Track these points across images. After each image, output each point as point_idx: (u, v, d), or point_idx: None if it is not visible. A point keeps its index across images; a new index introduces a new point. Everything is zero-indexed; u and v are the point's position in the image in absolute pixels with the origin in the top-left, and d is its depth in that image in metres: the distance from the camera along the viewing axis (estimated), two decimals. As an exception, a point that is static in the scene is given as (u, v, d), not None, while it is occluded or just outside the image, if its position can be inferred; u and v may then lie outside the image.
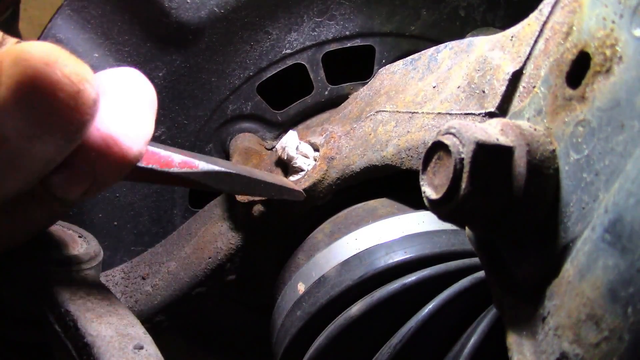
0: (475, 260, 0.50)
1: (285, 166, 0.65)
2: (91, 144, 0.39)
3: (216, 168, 0.50)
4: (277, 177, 0.61)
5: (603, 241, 0.29)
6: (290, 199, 0.59)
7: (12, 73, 0.35)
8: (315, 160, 0.64)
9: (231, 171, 0.52)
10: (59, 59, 0.35)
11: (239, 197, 0.65)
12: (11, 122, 0.35)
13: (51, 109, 0.35)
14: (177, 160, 0.47)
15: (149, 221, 0.74)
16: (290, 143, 0.64)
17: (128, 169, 0.42)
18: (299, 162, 0.63)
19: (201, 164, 0.48)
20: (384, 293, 0.50)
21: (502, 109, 0.43)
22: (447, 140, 0.34)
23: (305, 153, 0.64)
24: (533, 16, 0.41)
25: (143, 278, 0.69)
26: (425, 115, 0.52)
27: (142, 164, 0.44)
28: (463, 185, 0.33)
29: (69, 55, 0.36)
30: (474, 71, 0.48)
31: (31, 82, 0.35)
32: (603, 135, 0.31)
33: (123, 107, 0.41)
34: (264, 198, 0.63)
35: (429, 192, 0.36)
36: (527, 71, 0.41)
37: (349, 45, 0.72)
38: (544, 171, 0.33)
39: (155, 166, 0.46)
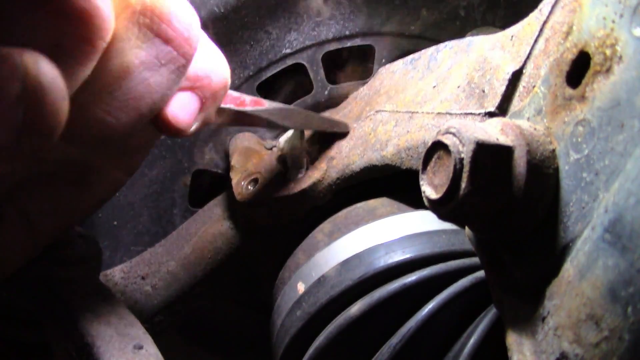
0: (475, 260, 0.50)
1: (285, 163, 0.65)
2: (197, 73, 0.43)
3: (280, 105, 0.55)
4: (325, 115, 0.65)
5: (603, 241, 0.29)
6: (340, 131, 0.62)
7: (134, 2, 0.37)
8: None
9: (292, 107, 0.58)
10: None
11: (239, 197, 0.65)
12: (135, 52, 0.37)
13: (169, 39, 0.38)
14: (248, 99, 0.51)
15: (149, 221, 0.74)
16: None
17: (223, 98, 0.46)
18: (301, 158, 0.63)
19: (268, 102, 0.54)
20: (384, 293, 0.50)
21: (502, 109, 0.43)
22: (447, 139, 0.34)
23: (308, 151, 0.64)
24: (533, 16, 0.41)
25: (143, 278, 0.69)
26: (425, 115, 0.52)
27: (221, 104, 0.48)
28: (463, 185, 0.33)
29: None
30: (474, 71, 0.48)
31: (152, 12, 0.37)
32: (603, 135, 0.31)
33: (210, 46, 0.45)
34: (264, 199, 0.63)
35: (429, 191, 0.36)
36: (527, 71, 0.41)
37: (349, 45, 0.72)
38: (544, 171, 0.33)
39: (231, 105, 0.50)
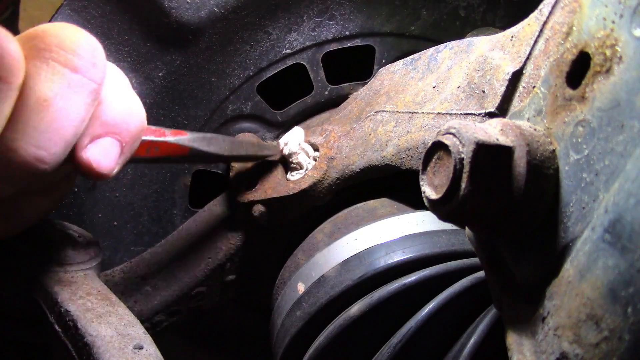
0: (475, 260, 0.50)
1: (285, 163, 0.65)
2: (115, 119, 0.45)
3: (203, 134, 0.56)
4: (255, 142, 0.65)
5: (603, 241, 0.29)
6: (270, 155, 0.62)
7: (38, 40, 0.40)
8: (315, 160, 0.64)
9: (216, 135, 0.58)
10: None
11: (239, 197, 0.65)
12: (48, 85, 0.40)
13: (77, 68, 0.41)
14: (169, 131, 0.52)
15: (149, 221, 0.74)
16: (293, 139, 0.64)
17: (140, 139, 0.48)
18: (300, 157, 0.63)
19: (189, 132, 0.54)
20: (384, 293, 0.50)
21: (502, 109, 0.43)
22: (447, 140, 0.34)
23: (307, 150, 0.64)
24: (533, 16, 0.41)
25: (143, 278, 0.69)
26: (425, 115, 0.52)
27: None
28: (463, 185, 0.33)
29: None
30: (474, 71, 0.48)
31: (56, 46, 0.41)
32: (603, 135, 0.31)
33: (125, 90, 0.47)
34: (264, 199, 0.63)
35: (429, 192, 0.36)
36: (527, 71, 0.41)
37: (349, 45, 0.72)
38: (544, 171, 0.33)
39: (152, 137, 0.51)
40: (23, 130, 0.39)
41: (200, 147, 0.55)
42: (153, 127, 0.51)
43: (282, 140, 0.65)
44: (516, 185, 0.33)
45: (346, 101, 0.69)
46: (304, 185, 0.61)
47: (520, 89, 0.41)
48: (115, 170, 0.46)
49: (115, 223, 0.72)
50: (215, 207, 0.71)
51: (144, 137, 0.50)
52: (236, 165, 0.68)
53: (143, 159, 0.51)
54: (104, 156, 0.44)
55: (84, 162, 0.44)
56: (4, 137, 0.39)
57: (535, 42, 0.40)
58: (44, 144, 0.40)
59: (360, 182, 0.61)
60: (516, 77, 0.42)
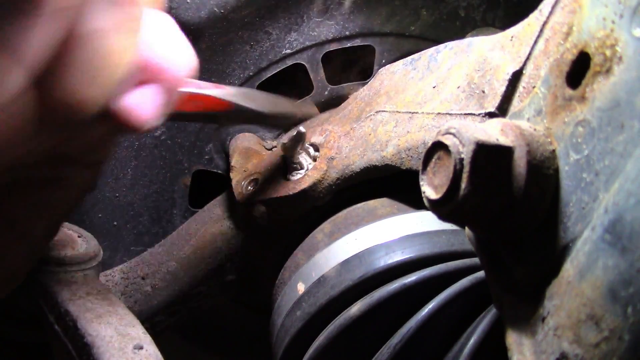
0: (475, 260, 0.50)
1: (286, 164, 0.65)
2: (161, 63, 0.39)
3: (242, 88, 0.54)
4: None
5: (603, 241, 0.29)
6: (309, 115, 0.60)
7: None
8: (315, 160, 0.64)
9: (255, 90, 0.55)
10: None
11: (239, 197, 0.65)
12: (97, 18, 0.35)
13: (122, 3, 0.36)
14: (208, 84, 0.50)
15: (149, 221, 0.74)
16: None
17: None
18: (300, 157, 0.63)
19: (229, 87, 0.52)
20: (384, 293, 0.50)
21: (502, 109, 0.43)
22: (447, 140, 0.34)
23: (307, 150, 0.64)
24: (533, 16, 0.41)
25: (142, 278, 0.69)
26: (425, 115, 0.52)
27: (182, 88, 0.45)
28: (463, 185, 0.33)
29: None
30: (473, 71, 0.48)
31: None
32: (603, 135, 0.31)
33: (175, 32, 0.42)
34: (264, 199, 0.63)
35: (429, 192, 0.36)
36: (527, 71, 0.41)
37: (349, 45, 0.72)
38: (544, 171, 0.33)
39: (192, 89, 0.47)
40: (69, 64, 0.34)
41: (243, 103, 0.52)
42: (193, 81, 0.48)
43: (282, 142, 0.65)
44: (516, 185, 0.33)
45: (346, 101, 0.69)
46: (304, 185, 0.61)
47: (520, 89, 0.41)
48: (157, 122, 0.41)
49: (115, 223, 0.72)
50: (215, 207, 0.71)
51: (183, 89, 0.46)
52: (237, 165, 0.68)
53: (186, 114, 0.48)
54: (144, 104, 0.39)
55: (123, 109, 0.38)
56: (46, 74, 0.34)
57: (535, 42, 0.40)
58: (90, 81, 0.35)
59: (360, 182, 0.61)
60: (516, 77, 0.42)
